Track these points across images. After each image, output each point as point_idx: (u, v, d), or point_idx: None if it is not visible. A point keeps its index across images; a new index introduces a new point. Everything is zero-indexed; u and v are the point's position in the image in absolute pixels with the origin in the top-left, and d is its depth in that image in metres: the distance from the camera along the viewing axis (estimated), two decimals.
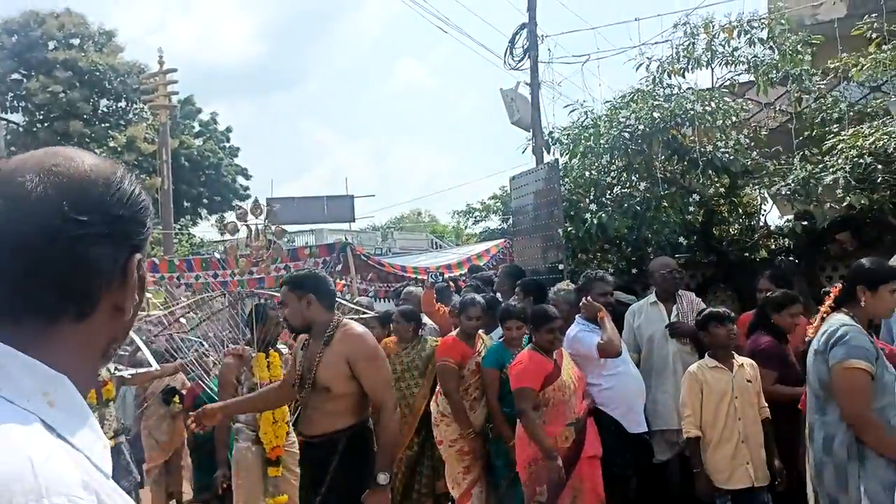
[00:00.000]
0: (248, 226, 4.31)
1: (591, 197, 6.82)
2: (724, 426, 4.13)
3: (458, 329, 5.09)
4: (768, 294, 4.74)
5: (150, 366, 5.78)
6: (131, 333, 5.16)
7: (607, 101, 7.30)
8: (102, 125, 25.63)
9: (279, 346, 5.06)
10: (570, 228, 6.50)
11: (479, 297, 5.16)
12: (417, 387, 5.44)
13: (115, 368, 5.44)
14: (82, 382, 0.86)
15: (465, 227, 20.36)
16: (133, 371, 5.68)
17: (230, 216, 4.12)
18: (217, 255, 9.59)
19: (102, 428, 4.07)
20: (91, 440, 0.82)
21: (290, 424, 4.67)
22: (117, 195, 0.88)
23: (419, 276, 9.83)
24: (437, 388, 5.11)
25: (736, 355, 4.29)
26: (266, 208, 4.42)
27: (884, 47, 6.25)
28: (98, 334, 0.88)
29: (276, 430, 4.49)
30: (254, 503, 4.56)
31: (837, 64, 6.50)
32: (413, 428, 5.43)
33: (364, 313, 5.57)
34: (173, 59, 51.60)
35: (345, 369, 3.46)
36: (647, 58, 7.02)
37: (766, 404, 4.24)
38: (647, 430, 4.84)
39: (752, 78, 6.77)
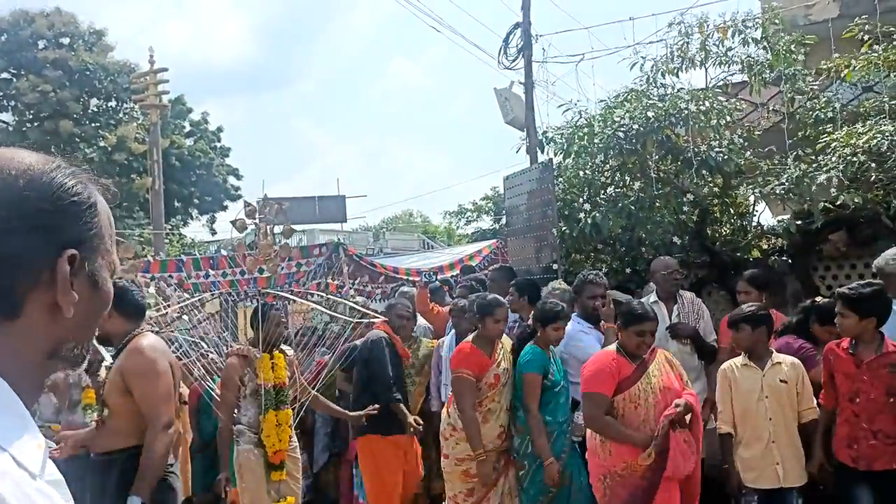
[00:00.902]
0: (256, 224, 4.20)
1: (585, 197, 6.82)
2: (755, 425, 4.01)
3: (474, 334, 4.58)
4: (815, 301, 4.54)
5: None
6: None
7: (601, 101, 7.32)
8: (93, 125, 25.47)
9: (283, 347, 4.99)
10: (563, 228, 6.51)
11: (502, 298, 4.70)
12: (413, 385, 5.45)
13: None
14: (21, 382, 0.84)
15: (457, 228, 20.40)
16: None
17: (239, 214, 3.97)
18: (224, 253, 9.48)
19: None
20: (23, 440, 0.80)
21: (293, 428, 4.58)
22: (40, 190, 0.86)
23: (411, 278, 9.80)
24: (449, 395, 4.68)
25: (775, 354, 4.10)
26: (276, 206, 4.31)
27: (875, 48, 6.27)
28: (34, 334, 0.86)
29: (279, 433, 4.29)
30: None
31: (830, 64, 6.53)
32: None
33: (375, 315, 5.49)
34: (164, 58, 51.46)
35: (119, 383, 3.26)
36: (642, 57, 7.03)
37: (814, 405, 4.03)
38: None
39: (746, 78, 6.78)
